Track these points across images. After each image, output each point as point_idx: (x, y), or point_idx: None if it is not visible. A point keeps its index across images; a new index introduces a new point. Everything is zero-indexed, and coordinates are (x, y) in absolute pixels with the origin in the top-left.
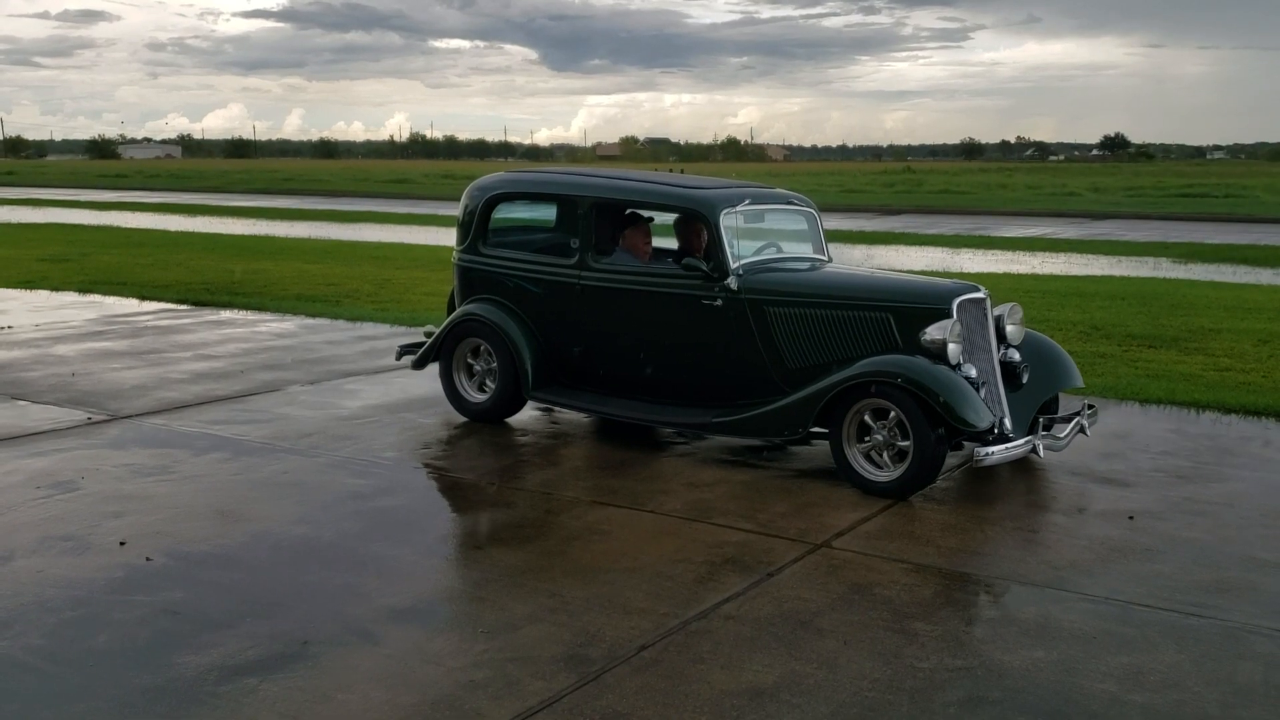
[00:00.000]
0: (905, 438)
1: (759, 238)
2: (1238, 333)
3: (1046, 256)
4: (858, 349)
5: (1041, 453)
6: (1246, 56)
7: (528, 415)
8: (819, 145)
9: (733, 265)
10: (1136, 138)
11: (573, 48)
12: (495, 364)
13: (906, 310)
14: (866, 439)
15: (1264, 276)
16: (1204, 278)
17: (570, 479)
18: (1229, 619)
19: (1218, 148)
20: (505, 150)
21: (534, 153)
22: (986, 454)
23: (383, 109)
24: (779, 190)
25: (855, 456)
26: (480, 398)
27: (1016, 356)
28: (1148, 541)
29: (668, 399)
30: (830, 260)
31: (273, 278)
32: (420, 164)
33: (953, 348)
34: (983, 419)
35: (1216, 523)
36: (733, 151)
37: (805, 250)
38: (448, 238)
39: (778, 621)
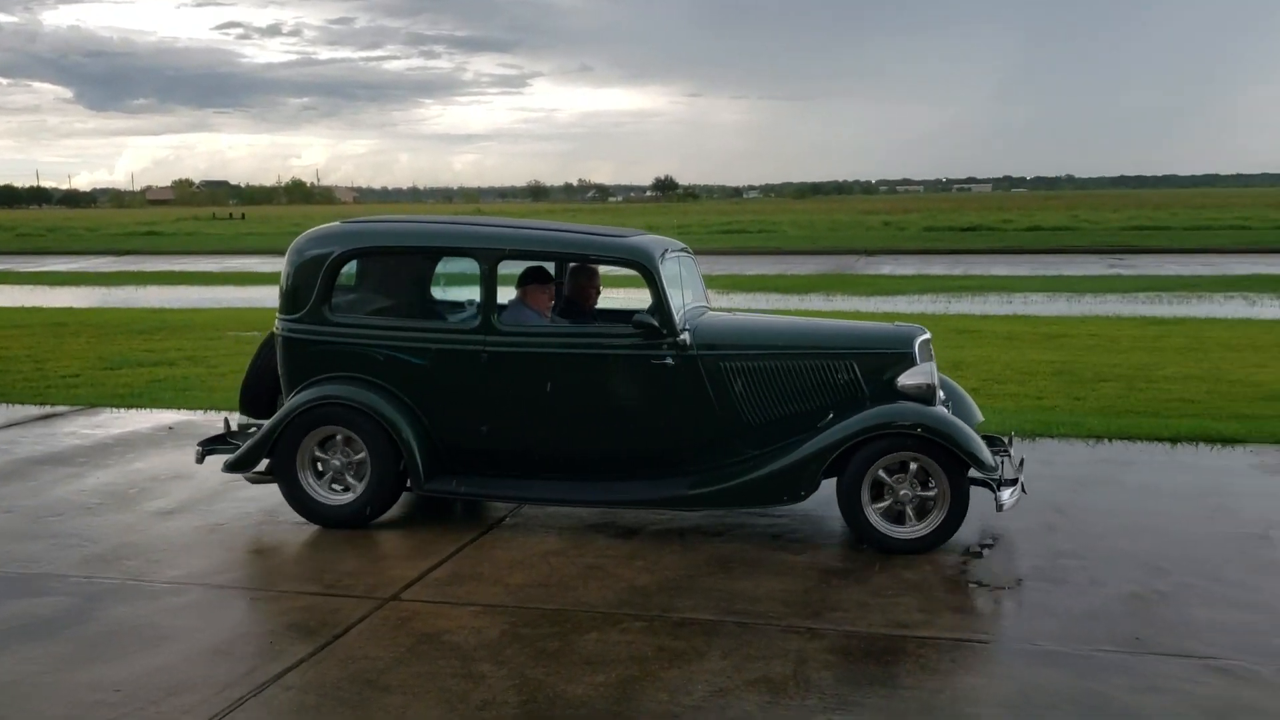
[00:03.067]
0: (926, 490)
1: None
2: None
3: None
4: (820, 399)
5: (1025, 490)
6: (771, 106)
7: (65, 491)
8: (389, 187)
9: (678, 320)
10: (683, 179)
11: (113, 85)
12: (364, 456)
13: (872, 356)
14: (885, 497)
15: (791, 303)
16: (742, 305)
17: (110, 559)
18: (769, 620)
19: (752, 188)
20: (39, 196)
21: (73, 198)
22: (1008, 497)
23: None
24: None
25: (872, 515)
26: (342, 498)
27: (942, 395)
28: (698, 557)
29: (602, 473)
30: (711, 307)
31: None
32: None
33: (939, 392)
34: (993, 461)
35: (765, 533)
36: (299, 194)
37: (693, 297)
38: None
39: (344, 684)
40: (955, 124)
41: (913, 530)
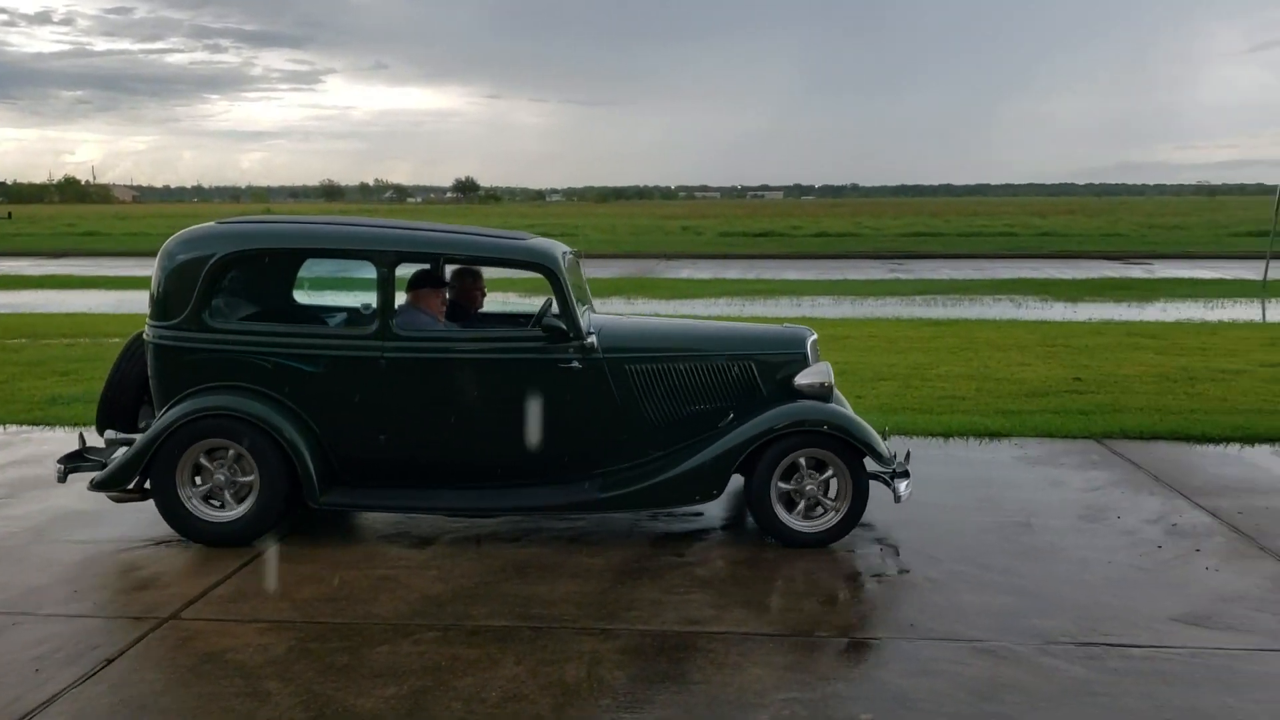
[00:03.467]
0: (829, 484)
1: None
2: None
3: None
4: (721, 399)
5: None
6: (573, 110)
7: None
8: (172, 185)
9: (583, 323)
10: (485, 181)
11: None
12: (252, 470)
13: (768, 357)
14: (791, 489)
15: (595, 306)
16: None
17: None
18: (564, 623)
19: (555, 191)
20: None
21: None
22: (904, 488)
23: None
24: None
25: (780, 511)
26: (228, 514)
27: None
28: (494, 564)
29: (508, 480)
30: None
31: None
32: None
33: (835, 391)
34: (890, 455)
35: (563, 537)
36: (73, 192)
37: (582, 299)
38: None
39: (117, 710)
40: (750, 133)
41: (818, 524)
